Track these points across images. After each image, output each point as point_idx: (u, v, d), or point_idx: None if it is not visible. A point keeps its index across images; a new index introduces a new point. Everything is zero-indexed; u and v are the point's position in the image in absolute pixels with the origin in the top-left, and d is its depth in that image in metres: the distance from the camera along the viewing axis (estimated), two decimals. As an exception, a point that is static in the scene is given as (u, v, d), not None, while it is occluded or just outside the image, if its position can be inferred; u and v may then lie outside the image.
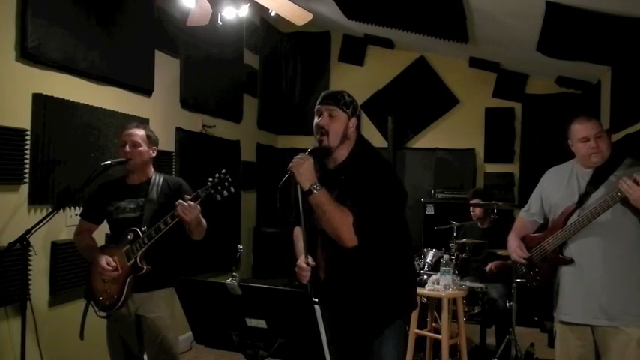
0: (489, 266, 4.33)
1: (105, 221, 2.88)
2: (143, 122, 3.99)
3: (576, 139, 2.51)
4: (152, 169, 2.87)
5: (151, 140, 2.84)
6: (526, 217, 2.82)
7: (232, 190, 2.59)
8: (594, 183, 2.48)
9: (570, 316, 2.52)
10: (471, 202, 4.64)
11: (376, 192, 2.09)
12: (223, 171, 2.59)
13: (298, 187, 2.09)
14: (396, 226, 2.21)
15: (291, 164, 2.09)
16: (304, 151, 2.16)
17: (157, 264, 2.71)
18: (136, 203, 2.76)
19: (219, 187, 2.57)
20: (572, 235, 2.49)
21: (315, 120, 2.21)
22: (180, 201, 2.56)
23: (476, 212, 4.60)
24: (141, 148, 2.79)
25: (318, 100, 2.23)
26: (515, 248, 2.73)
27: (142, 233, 2.65)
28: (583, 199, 2.49)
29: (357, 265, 2.13)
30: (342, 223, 2.04)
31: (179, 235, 2.74)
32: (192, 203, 2.56)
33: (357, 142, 2.23)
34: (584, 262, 2.47)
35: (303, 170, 2.06)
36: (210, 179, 2.59)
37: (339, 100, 2.18)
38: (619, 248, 2.41)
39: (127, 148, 2.77)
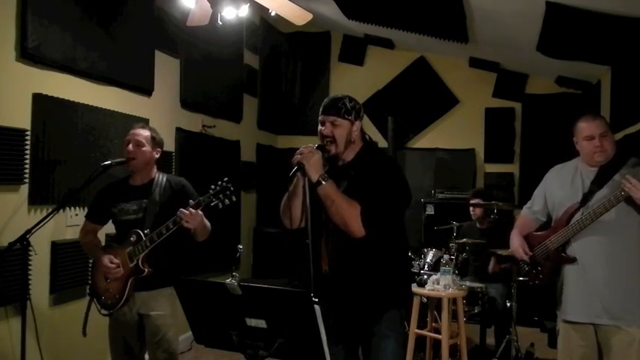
0: (492, 268, 4.33)
1: (110, 221, 2.89)
2: (143, 122, 4.00)
3: (581, 137, 2.51)
4: (155, 170, 2.87)
5: (155, 141, 2.84)
6: (529, 215, 2.80)
7: (234, 198, 2.59)
8: (598, 182, 2.47)
9: (573, 315, 2.52)
10: (472, 201, 4.64)
11: (383, 185, 2.16)
12: (226, 179, 2.59)
13: (306, 179, 2.12)
14: (399, 221, 2.28)
15: (299, 155, 2.13)
16: None
17: (159, 265, 2.72)
18: (139, 205, 2.77)
19: (220, 196, 2.56)
20: (575, 234, 2.49)
21: (319, 128, 2.26)
22: (182, 210, 2.55)
23: (476, 212, 4.59)
24: (144, 148, 2.79)
25: (321, 110, 2.26)
26: (517, 247, 2.72)
27: (145, 236, 2.65)
28: (587, 197, 2.48)
29: (361, 257, 2.17)
30: (349, 214, 2.09)
31: (180, 237, 2.74)
32: (193, 210, 2.56)
33: (363, 142, 2.30)
34: (587, 261, 2.47)
35: (314, 162, 2.12)
36: (213, 187, 2.58)
37: (340, 109, 2.22)
38: (622, 247, 2.41)
39: (131, 147, 2.77)
